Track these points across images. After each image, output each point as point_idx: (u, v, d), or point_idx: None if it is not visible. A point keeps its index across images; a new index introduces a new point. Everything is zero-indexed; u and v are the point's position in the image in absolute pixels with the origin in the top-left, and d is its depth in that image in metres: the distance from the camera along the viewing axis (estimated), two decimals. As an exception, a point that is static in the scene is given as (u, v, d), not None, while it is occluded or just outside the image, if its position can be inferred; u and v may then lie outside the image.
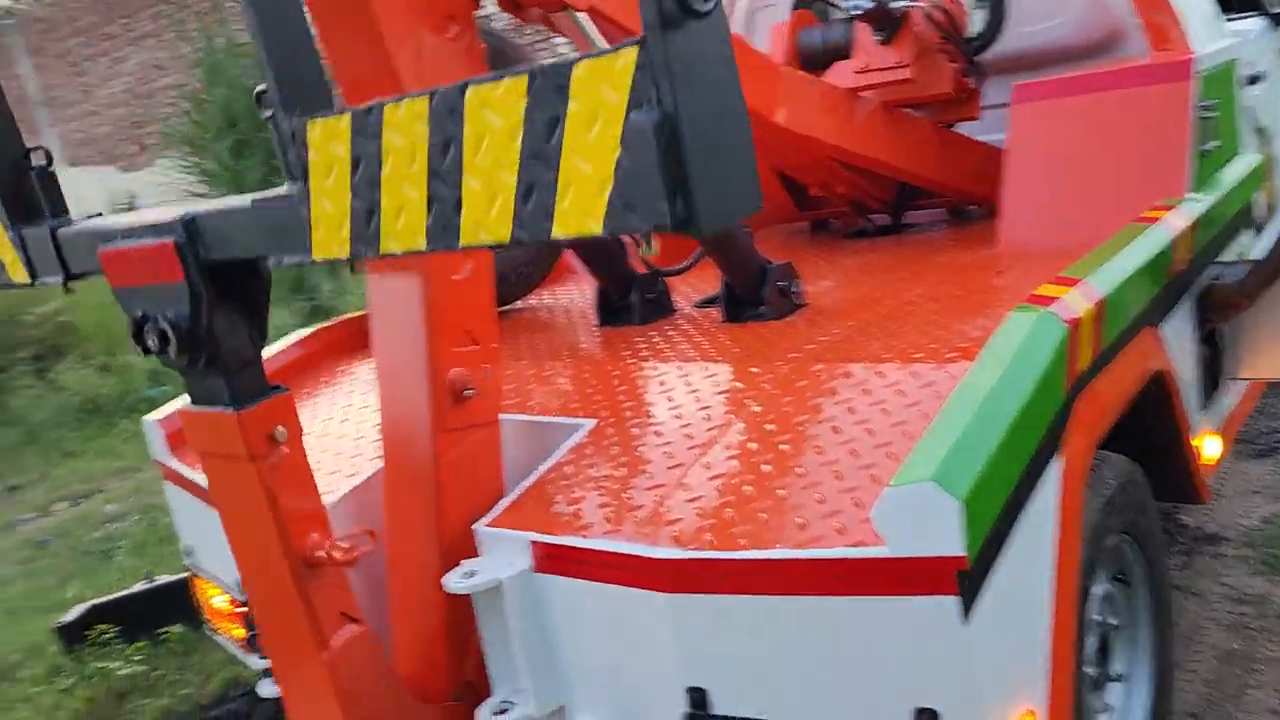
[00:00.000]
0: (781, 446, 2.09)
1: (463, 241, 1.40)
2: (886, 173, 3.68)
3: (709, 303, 3.14)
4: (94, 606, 4.42)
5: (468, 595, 2.11)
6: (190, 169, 12.17)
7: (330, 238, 1.56)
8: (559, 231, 1.29)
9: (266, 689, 2.63)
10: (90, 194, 12.20)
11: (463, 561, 2.14)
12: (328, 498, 2.47)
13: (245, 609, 2.75)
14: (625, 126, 1.19)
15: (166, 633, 4.37)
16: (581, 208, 1.25)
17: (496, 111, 1.32)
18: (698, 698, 1.91)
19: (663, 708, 1.95)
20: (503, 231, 1.35)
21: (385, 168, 1.46)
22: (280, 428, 1.90)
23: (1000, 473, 1.78)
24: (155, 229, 1.78)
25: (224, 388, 1.85)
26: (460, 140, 1.37)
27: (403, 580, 2.33)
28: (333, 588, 2.02)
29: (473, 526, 2.16)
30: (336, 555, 1.96)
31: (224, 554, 2.83)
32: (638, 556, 1.90)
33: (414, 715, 2.20)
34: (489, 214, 1.35)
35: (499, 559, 2.10)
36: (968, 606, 1.67)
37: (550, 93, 1.26)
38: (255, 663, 2.61)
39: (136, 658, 4.24)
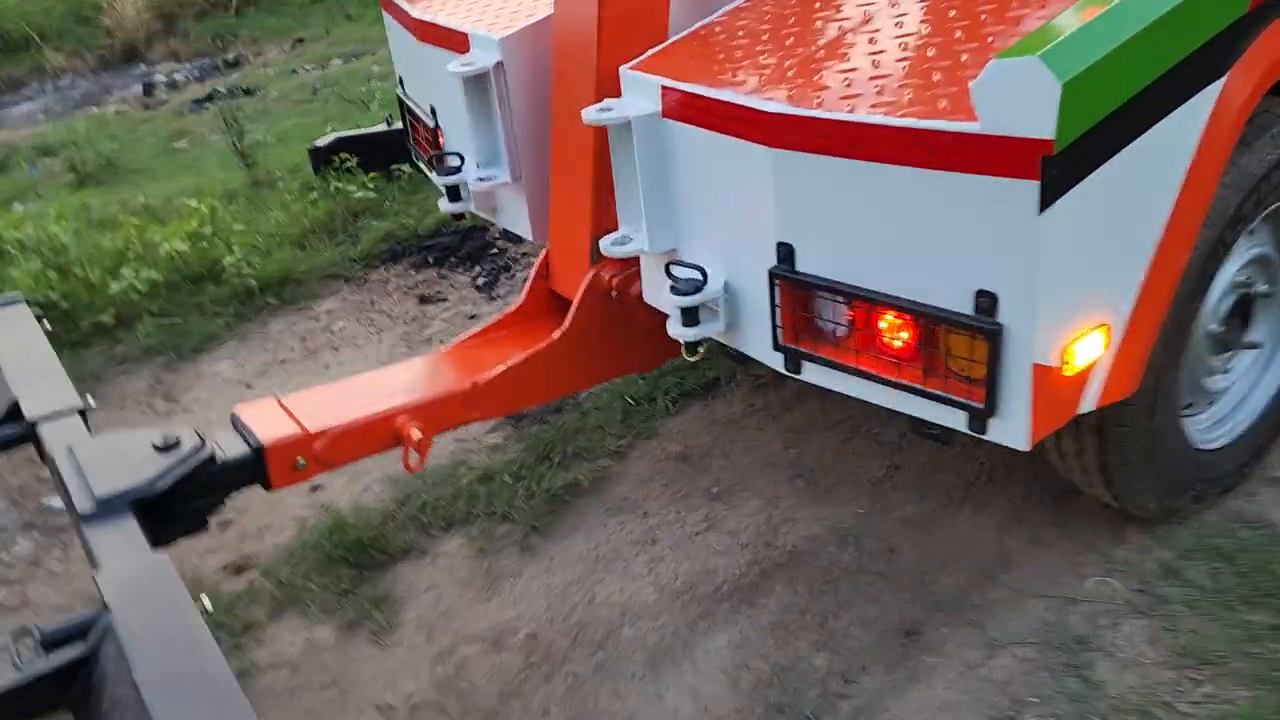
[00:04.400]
0: (923, 27, 2.02)
1: None
2: None
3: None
4: (340, 137, 5.00)
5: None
6: None
7: None
8: None
9: (445, 206, 3.01)
10: None
11: (605, 99, 2.28)
12: (507, 30, 2.65)
13: (438, 132, 3.08)
14: None
15: (400, 171, 4.93)
16: None
17: None
18: (785, 253, 2.04)
19: (755, 260, 2.10)
20: None
21: None
22: None
23: (1128, 67, 1.68)
24: None
25: None
26: None
27: (562, 118, 2.52)
28: None
29: (619, 68, 2.28)
30: None
31: (425, 85, 3.14)
32: (750, 108, 1.97)
33: None
34: None
35: (633, 100, 2.23)
36: (1046, 196, 1.66)
37: None
38: (438, 179, 2.94)
39: (370, 186, 4.85)
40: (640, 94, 2.22)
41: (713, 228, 2.21)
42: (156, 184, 5.85)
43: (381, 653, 2.57)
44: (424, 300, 4.19)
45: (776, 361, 2.18)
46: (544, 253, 2.69)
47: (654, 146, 2.21)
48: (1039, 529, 2.59)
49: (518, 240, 4.33)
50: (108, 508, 1.92)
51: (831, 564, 2.61)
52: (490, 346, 2.55)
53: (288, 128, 6.38)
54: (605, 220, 2.41)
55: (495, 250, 4.44)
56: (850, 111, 1.84)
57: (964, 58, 1.88)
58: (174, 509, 2.06)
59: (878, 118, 1.79)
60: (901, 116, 1.77)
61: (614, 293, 2.46)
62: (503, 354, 2.46)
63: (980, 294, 1.79)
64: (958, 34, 1.96)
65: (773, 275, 2.07)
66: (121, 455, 2.05)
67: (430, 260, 4.45)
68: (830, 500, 2.82)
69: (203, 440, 2.11)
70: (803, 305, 2.09)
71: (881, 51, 1.99)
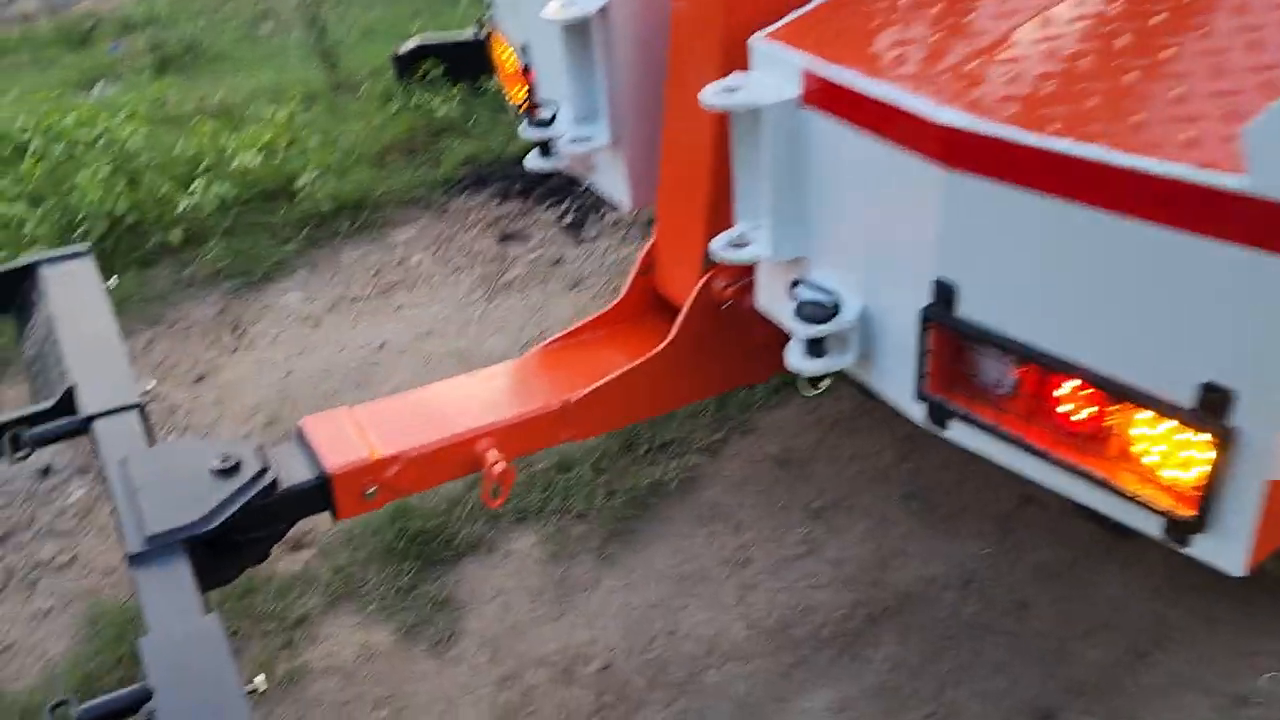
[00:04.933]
0: (1154, 20, 1.56)
1: None
2: None
3: None
4: (425, 44, 4.60)
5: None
6: None
7: None
8: None
9: (532, 163, 2.64)
10: None
11: (733, 74, 1.87)
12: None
13: (527, 73, 2.68)
14: None
15: (484, 85, 4.53)
16: None
17: None
18: (944, 293, 1.65)
19: (903, 293, 1.71)
20: None
21: None
22: None
23: None
24: None
25: None
26: None
27: (678, 88, 2.11)
28: None
29: (747, 40, 1.86)
30: None
31: (518, 17, 2.73)
32: (920, 118, 1.55)
33: None
34: None
35: (767, 81, 1.81)
36: (1333, 282, 1.24)
37: None
38: (526, 132, 2.57)
39: (455, 101, 4.46)
40: (775, 72, 1.80)
41: (853, 244, 1.81)
42: (236, 76, 5.55)
43: (440, 668, 2.35)
44: (506, 238, 3.85)
45: (917, 412, 1.80)
46: (648, 246, 2.33)
47: (788, 139, 1.80)
48: (1203, 598, 2.22)
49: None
50: (160, 547, 1.72)
51: (950, 616, 2.28)
52: (584, 350, 2.23)
53: (372, 20, 5.98)
54: (723, 217, 2.03)
55: (585, 185, 4.05)
56: (1057, 136, 1.42)
57: (1217, 64, 1.42)
58: (232, 541, 1.85)
59: (1097, 151, 1.37)
60: (1131, 153, 1.34)
61: (728, 304, 2.09)
62: (597, 360, 2.14)
63: (1210, 388, 1.39)
64: (1207, 33, 1.49)
65: (926, 316, 1.68)
66: (178, 478, 1.84)
67: (514, 190, 4.09)
68: (949, 532, 2.47)
69: (264, 465, 1.87)
70: (958, 355, 1.70)
71: (1097, 50, 1.54)
